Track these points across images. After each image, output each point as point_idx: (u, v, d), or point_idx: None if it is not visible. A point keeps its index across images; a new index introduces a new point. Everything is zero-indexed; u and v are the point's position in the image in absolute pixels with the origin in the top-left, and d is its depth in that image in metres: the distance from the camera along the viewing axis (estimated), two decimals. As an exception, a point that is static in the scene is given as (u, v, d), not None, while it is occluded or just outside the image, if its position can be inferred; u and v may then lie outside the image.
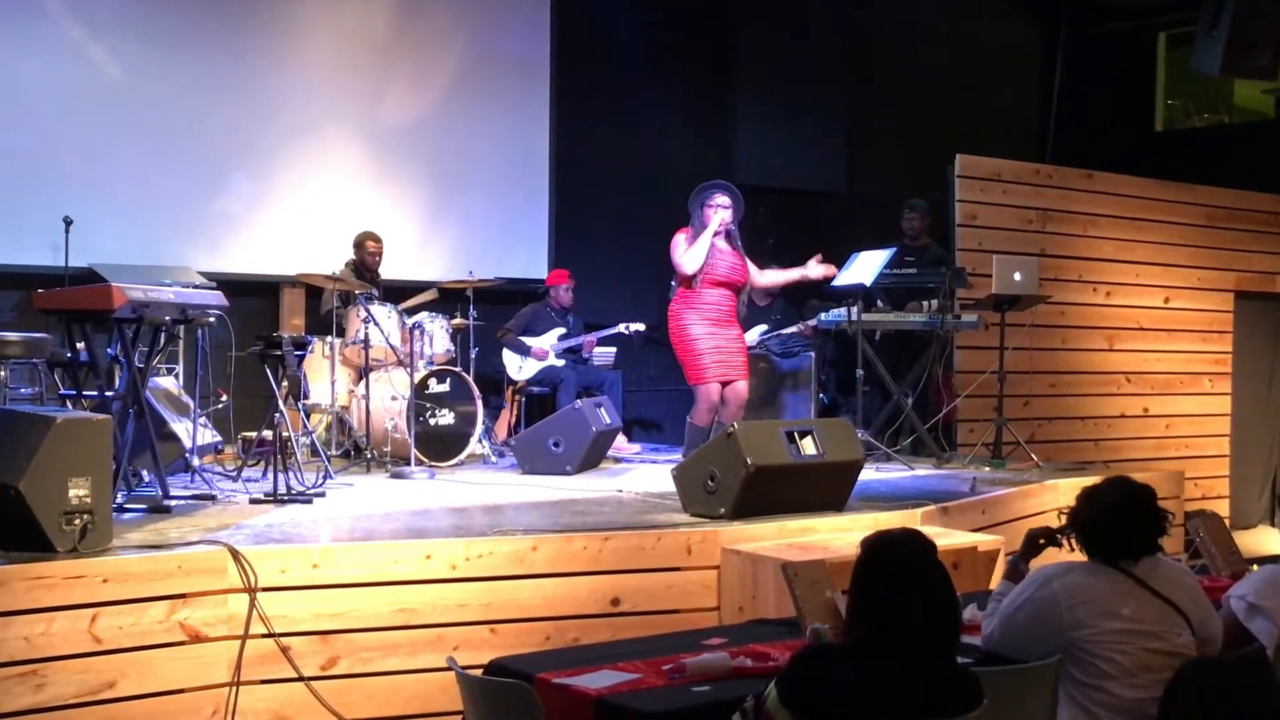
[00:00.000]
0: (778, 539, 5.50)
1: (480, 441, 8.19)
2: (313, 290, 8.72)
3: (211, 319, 6.32)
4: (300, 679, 4.69)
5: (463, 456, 7.98)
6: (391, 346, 7.92)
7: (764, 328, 9.41)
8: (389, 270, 8.87)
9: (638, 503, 6.43)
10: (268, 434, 6.79)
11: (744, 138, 10.85)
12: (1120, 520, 3.56)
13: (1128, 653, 3.42)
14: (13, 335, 6.21)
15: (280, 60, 9.03)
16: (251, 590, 4.62)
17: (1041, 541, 3.93)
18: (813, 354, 9.12)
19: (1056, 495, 7.24)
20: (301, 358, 7.49)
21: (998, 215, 9.71)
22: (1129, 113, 12.41)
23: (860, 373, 8.14)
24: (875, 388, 8.75)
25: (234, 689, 4.59)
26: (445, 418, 7.97)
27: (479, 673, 3.63)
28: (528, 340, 9.09)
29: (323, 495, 6.33)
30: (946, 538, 5.51)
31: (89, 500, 4.50)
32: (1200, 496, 10.12)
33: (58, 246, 7.70)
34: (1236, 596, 3.70)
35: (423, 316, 8.10)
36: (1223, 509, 10.30)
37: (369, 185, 9.32)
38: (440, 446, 7.86)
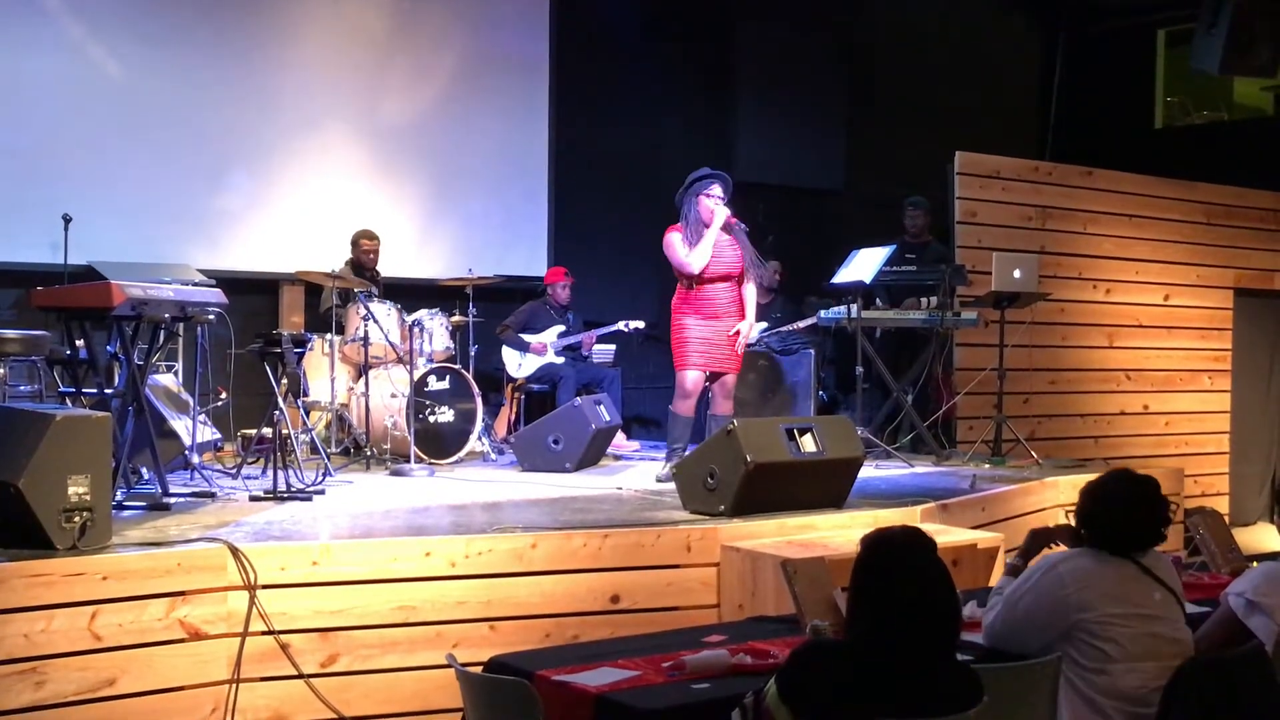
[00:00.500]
0: (777, 536, 5.50)
1: (480, 439, 8.19)
2: (312, 288, 8.72)
3: (211, 317, 6.31)
4: (300, 676, 4.69)
5: (462, 454, 7.98)
6: (391, 344, 7.92)
7: (763, 325, 9.40)
8: (388, 268, 8.87)
9: (637, 500, 6.43)
10: (267, 431, 6.80)
11: (743, 135, 10.85)
12: (1131, 512, 3.61)
13: (1132, 636, 3.46)
14: (12, 333, 6.20)
15: (279, 58, 9.03)
16: (251, 587, 4.62)
17: (1055, 546, 3.94)
18: (812, 351, 9.12)
19: (1056, 492, 7.25)
20: (301, 355, 7.49)
21: (997, 212, 9.71)
22: (1128, 110, 12.41)
23: (860, 370, 8.14)
24: (875, 385, 8.75)
25: (233, 686, 4.59)
26: (445, 415, 7.97)
27: (478, 670, 3.63)
28: (527, 337, 9.09)
29: (322, 493, 6.33)
30: (946, 535, 5.52)
31: (88, 498, 4.50)
32: (1200, 494, 10.12)
33: (57, 244, 7.69)
34: (1235, 594, 3.71)
35: (422, 314, 8.10)
36: (1222, 506, 10.30)
37: (368, 183, 9.32)
38: (440, 444, 7.85)
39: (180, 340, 7.48)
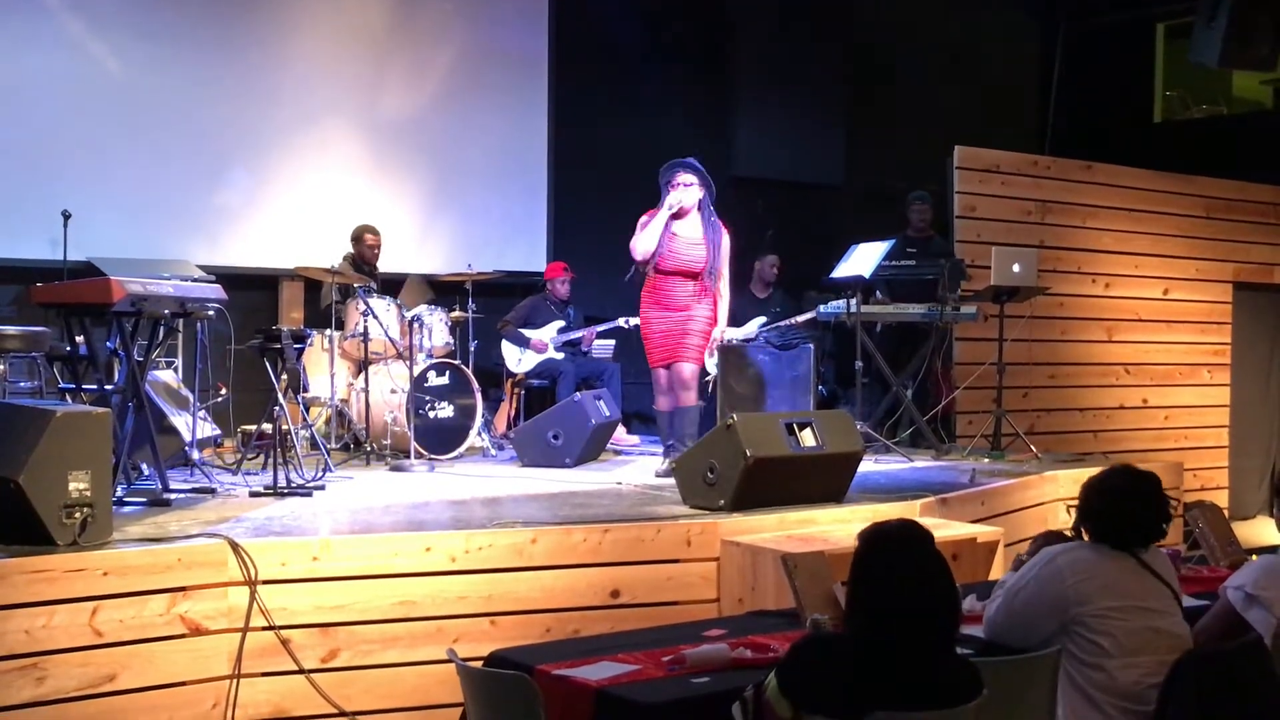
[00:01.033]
0: (777, 530, 5.51)
1: (479, 434, 8.20)
2: (311, 283, 8.72)
3: (210, 312, 6.31)
4: (300, 671, 4.70)
5: (462, 449, 7.98)
6: (390, 340, 7.92)
7: (762, 320, 9.41)
8: (388, 263, 8.87)
9: (637, 495, 6.44)
10: (267, 427, 6.80)
11: (743, 129, 10.85)
12: (1133, 507, 3.62)
13: (1128, 630, 3.47)
14: (12, 329, 6.20)
15: (278, 54, 9.03)
16: (251, 583, 4.62)
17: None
18: (811, 346, 9.12)
19: (1056, 486, 7.26)
20: (300, 351, 7.49)
21: (996, 207, 9.71)
22: (1128, 104, 12.40)
23: (859, 365, 8.14)
24: (874, 380, 8.75)
25: (234, 681, 4.59)
26: (444, 410, 7.97)
27: (479, 665, 3.64)
28: (527, 333, 9.09)
29: (322, 488, 6.33)
30: (946, 529, 5.52)
31: (89, 494, 4.51)
32: (1199, 487, 10.12)
33: (56, 240, 7.70)
34: (1234, 587, 3.71)
35: (422, 309, 8.10)
36: (1221, 500, 10.31)
37: (367, 178, 9.32)
38: (439, 439, 7.85)
39: (180, 336, 7.47)
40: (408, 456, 7.41)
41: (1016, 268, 8.41)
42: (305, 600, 4.74)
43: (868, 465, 7.01)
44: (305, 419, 7.81)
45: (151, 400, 6.21)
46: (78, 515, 4.47)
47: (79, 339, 5.76)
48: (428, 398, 7.86)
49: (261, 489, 6.14)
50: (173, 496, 5.74)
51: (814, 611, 3.88)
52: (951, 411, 9.04)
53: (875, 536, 3.02)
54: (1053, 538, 3.96)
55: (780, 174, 10.89)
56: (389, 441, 7.72)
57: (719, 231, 6.94)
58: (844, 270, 8.29)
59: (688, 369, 6.92)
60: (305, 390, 7.95)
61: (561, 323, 9.22)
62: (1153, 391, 10.53)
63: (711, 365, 9.45)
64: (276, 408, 6.47)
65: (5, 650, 4.16)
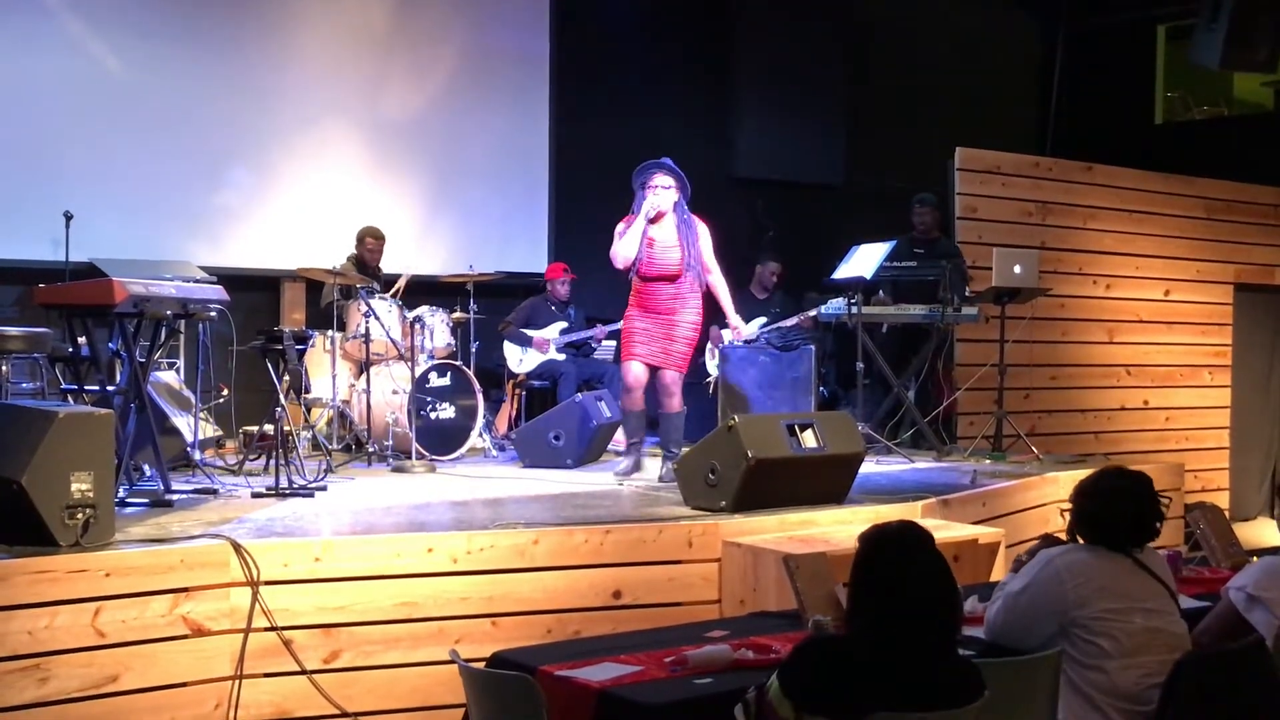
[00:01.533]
0: (778, 532, 5.51)
1: (481, 435, 8.20)
2: (313, 284, 8.73)
3: (212, 313, 6.32)
4: (303, 672, 4.70)
5: (463, 450, 7.99)
6: (392, 340, 7.92)
7: (763, 320, 9.41)
8: (389, 264, 8.87)
9: (638, 496, 6.44)
10: (269, 428, 6.80)
11: (744, 130, 10.86)
12: (1126, 507, 3.62)
13: (1127, 631, 3.48)
14: (14, 330, 6.20)
15: (280, 54, 9.03)
16: (254, 584, 4.63)
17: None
18: (812, 347, 9.12)
19: (1057, 488, 7.26)
20: (302, 352, 7.50)
21: (998, 208, 9.72)
22: (1128, 105, 12.41)
23: (860, 366, 8.15)
24: (876, 381, 8.75)
25: (237, 682, 4.60)
26: (446, 411, 7.98)
27: (481, 665, 3.64)
28: (530, 333, 9.10)
29: (324, 489, 6.34)
30: (947, 530, 5.52)
31: (91, 494, 4.51)
32: (1200, 488, 10.13)
33: (58, 241, 7.70)
34: (1236, 588, 3.72)
35: (423, 310, 8.11)
36: (1222, 501, 10.32)
37: (369, 179, 9.32)
38: (441, 440, 7.86)
39: (182, 337, 7.49)
40: (409, 457, 7.41)
41: (1017, 269, 8.41)
42: (307, 601, 4.74)
43: (869, 466, 7.01)
44: (307, 420, 7.81)
45: (153, 401, 6.22)
46: (80, 516, 4.47)
47: (81, 340, 5.76)
48: (429, 399, 7.86)
49: (263, 490, 6.14)
50: (175, 497, 5.75)
51: (816, 613, 3.88)
52: (953, 413, 9.05)
53: (876, 538, 3.02)
54: (1051, 541, 3.96)
55: (781, 174, 10.90)
56: (390, 442, 7.72)
57: (693, 229, 6.86)
58: (845, 271, 8.29)
59: (670, 376, 6.85)
60: (307, 391, 7.96)
61: (563, 324, 9.22)
62: (1154, 393, 10.54)
63: (713, 366, 9.47)
64: (278, 409, 6.47)
65: (8, 651, 4.16)
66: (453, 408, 8.00)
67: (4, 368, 6.02)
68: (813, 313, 9.04)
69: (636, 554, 5.25)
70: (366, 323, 7.77)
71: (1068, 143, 11.81)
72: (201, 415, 7.08)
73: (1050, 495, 7.21)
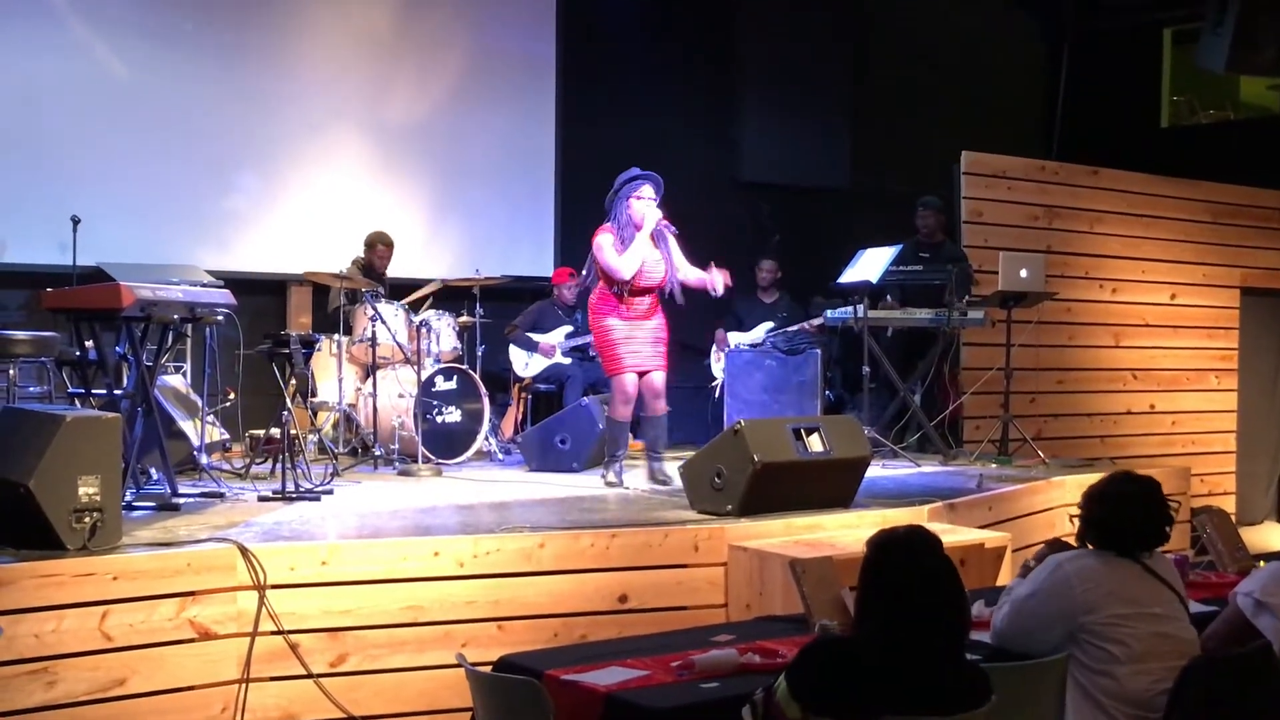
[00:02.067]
0: (785, 536, 5.51)
1: (487, 439, 8.21)
2: (320, 288, 8.74)
3: (219, 317, 6.33)
4: (309, 676, 4.70)
5: (469, 454, 7.99)
6: (398, 344, 7.93)
7: (770, 325, 9.42)
8: (395, 269, 8.88)
9: (645, 500, 6.44)
10: (275, 432, 6.81)
11: (749, 134, 10.86)
12: (1135, 512, 3.62)
13: (1137, 636, 3.48)
14: (21, 334, 6.22)
15: (286, 59, 9.05)
16: (260, 587, 4.63)
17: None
18: (818, 351, 9.12)
19: (1063, 492, 7.25)
20: (309, 356, 7.51)
21: (1004, 212, 9.71)
22: (1134, 109, 12.40)
23: (866, 370, 8.14)
24: (882, 385, 8.75)
25: (243, 686, 4.60)
26: (452, 415, 7.98)
27: (487, 669, 3.64)
28: (536, 337, 9.10)
29: (330, 493, 6.34)
30: (953, 534, 5.52)
31: (98, 498, 4.52)
32: (1206, 493, 10.12)
33: (65, 245, 7.71)
34: (1243, 593, 3.71)
35: (430, 314, 8.12)
36: (1229, 505, 10.30)
37: (375, 183, 9.34)
38: (447, 444, 7.87)
39: (189, 341, 7.49)
40: (415, 461, 7.42)
41: (1024, 273, 8.41)
42: (314, 605, 4.75)
43: (875, 470, 7.00)
44: (313, 424, 7.82)
45: (160, 405, 6.23)
46: (87, 520, 4.48)
47: (88, 344, 5.77)
48: (435, 402, 7.87)
49: (270, 494, 6.16)
50: (182, 501, 5.76)
51: (822, 617, 3.88)
52: (959, 416, 9.04)
53: (884, 542, 3.02)
54: (1058, 545, 3.96)
55: (786, 178, 10.89)
56: (396, 446, 7.73)
57: (665, 241, 6.87)
58: (851, 275, 8.29)
59: (660, 377, 6.89)
60: (313, 395, 7.97)
61: (569, 327, 9.22)
62: (1160, 396, 10.53)
63: (718, 369, 9.48)
64: (285, 412, 6.48)
65: (15, 654, 4.17)
66: (459, 411, 8.01)
67: (11, 372, 6.03)
68: (818, 320, 9.05)
69: (643, 558, 5.25)
70: (373, 326, 7.78)
71: (1073, 146, 11.80)
72: (208, 419, 7.09)
73: (1056, 499, 7.20)
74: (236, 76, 8.82)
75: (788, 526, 5.61)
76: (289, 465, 6.25)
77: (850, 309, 8.38)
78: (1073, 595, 3.52)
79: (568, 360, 9.11)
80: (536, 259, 9.93)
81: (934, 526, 5.12)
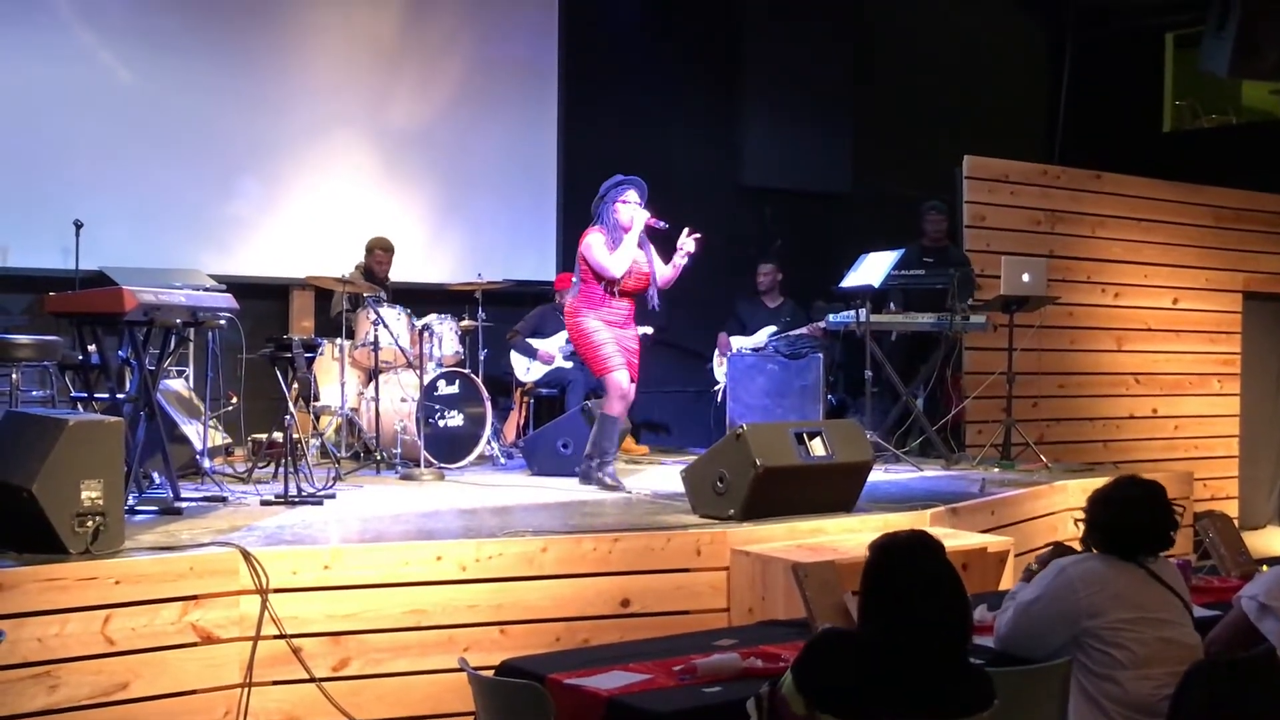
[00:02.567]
0: (787, 540, 5.51)
1: (489, 443, 8.20)
2: (322, 293, 8.74)
3: (222, 321, 6.33)
4: (312, 680, 4.70)
5: (472, 458, 7.99)
6: (401, 349, 7.93)
7: (772, 329, 9.42)
8: (397, 273, 8.89)
9: (647, 504, 6.44)
10: (278, 436, 6.81)
11: (751, 139, 10.86)
12: (1139, 517, 3.62)
13: (1141, 641, 3.48)
14: (24, 338, 6.23)
15: (289, 64, 9.06)
16: (263, 591, 4.64)
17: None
18: (821, 356, 9.12)
19: (1066, 496, 7.25)
20: (311, 360, 7.51)
21: (1006, 216, 9.71)
22: (1137, 114, 12.40)
23: (869, 374, 8.14)
24: (884, 389, 8.75)
25: (246, 690, 4.61)
26: (454, 419, 7.98)
27: (489, 673, 3.64)
28: (535, 343, 9.10)
29: (333, 497, 6.34)
30: (956, 539, 5.51)
31: (101, 502, 4.52)
32: (1209, 497, 10.11)
33: (68, 249, 7.72)
34: (1248, 597, 3.71)
35: (432, 319, 8.12)
36: (1231, 510, 10.28)
37: (377, 188, 9.34)
38: (449, 448, 7.87)
39: (191, 345, 7.50)
40: (417, 465, 7.42)
41: (1026, 277, 8.41)
42: (316, 609, 4.75)
43: (877, 475, 7.00)
44: (315, 428, 7.82)
45: (163, 409, 6.23)
46: (90, 524, 4.48)
47: (91, 348, 5.78)
48: (437, 406, 7.87)
49: (272, 498, 6.15)
50: (184, 505, 5.75)
51: (825, 621, 3.88)
52: (961, 421, 9.04)
53: (887, 547, 3.02)
54: (1063, 549, 3.96)
55: (788, 183, 10.90)
56: (399, 450, 7.72)
57: (648, 246, 7.02)
58: (853, 280, 8.29)
59: (633, 387, 7.05)
60: (316, 399, 7.96)
61: (570, 332, 9.22)
62: (1162, 401, 10.52)
63: (720, 373, 9.48)
64: (287, 416, 6.48)
65: (18, 658, 4.17)
66: (461, 416, 8.01)
67: (14, 375, 6.05)
68: (821, 324, 9.05)
69: (645, 562, 5.25)
70: (375, 331, 7.78)
71: (1076, 151, 11.80)
72: (211, 423, 7.09)
73: (1059, 504, 7.20)
74: (239, 82, 8.83)
75: (790, 531, 5.61)
76: (291, 469, 6.25)
77: (852, 313, 8.38)
78: (1076, 600, 3.52)
79: (570, 364, 9.11)
80: (539, 264, 9.93)
81: (936, 531, 5.13)
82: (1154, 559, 3.65)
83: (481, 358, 8.67)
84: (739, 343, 9.44)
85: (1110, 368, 10.25)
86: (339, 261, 8.47)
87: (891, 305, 8.82)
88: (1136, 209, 10.40)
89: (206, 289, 6.57)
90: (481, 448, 8.07)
